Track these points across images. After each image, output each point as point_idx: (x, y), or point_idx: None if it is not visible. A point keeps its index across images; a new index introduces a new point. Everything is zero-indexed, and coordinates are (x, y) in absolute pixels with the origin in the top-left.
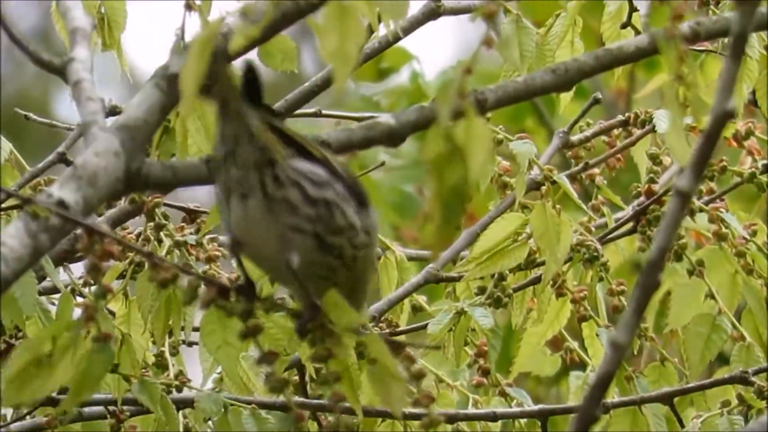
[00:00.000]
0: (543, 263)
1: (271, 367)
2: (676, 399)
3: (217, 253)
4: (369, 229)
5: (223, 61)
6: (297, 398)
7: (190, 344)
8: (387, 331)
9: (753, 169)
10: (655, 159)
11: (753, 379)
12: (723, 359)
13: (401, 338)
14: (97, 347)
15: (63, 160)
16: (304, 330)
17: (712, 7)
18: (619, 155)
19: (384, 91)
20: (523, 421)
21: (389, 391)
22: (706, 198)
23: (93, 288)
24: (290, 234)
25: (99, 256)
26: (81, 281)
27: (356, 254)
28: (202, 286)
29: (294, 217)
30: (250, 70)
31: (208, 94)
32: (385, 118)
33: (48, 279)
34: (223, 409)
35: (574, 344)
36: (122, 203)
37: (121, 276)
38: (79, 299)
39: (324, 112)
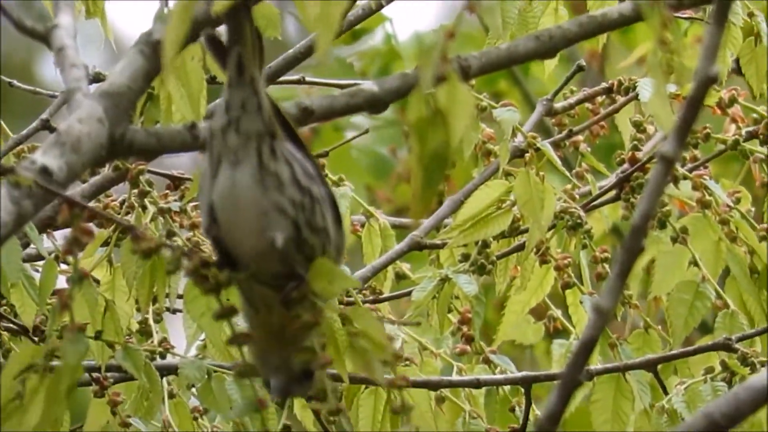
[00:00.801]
0: (527, 230)
1: (241, 349)
2: (659, 366)
3: (201, 219)
4: (340, 247)
5: (249, 22)
6: None
7: (174, 311)
8: (371, 298)
9: (737, 137)
10: (639, 126)
11: (736, 346)
12: (705, 328)
13: (384, 306)
14: (71, 337)
15: (47, 127)
16: (288, 300)
17: None
18: (602, 123)
19: (357, 52)
20: (506, 388)
21: (372, 362)
22: (690, 165)
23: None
24: (274, 213)
25: (80, 232)
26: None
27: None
28: (185, 257)
29: (281, 195)
30: (258, 38)
31: (223, 61)
32: (368, 85)
33: (32, 246)
34: (206, 376)
35: (557, 312)
36: (106, 170)
37: (105, 243)
38: (63, 266)
39: (308, 79)
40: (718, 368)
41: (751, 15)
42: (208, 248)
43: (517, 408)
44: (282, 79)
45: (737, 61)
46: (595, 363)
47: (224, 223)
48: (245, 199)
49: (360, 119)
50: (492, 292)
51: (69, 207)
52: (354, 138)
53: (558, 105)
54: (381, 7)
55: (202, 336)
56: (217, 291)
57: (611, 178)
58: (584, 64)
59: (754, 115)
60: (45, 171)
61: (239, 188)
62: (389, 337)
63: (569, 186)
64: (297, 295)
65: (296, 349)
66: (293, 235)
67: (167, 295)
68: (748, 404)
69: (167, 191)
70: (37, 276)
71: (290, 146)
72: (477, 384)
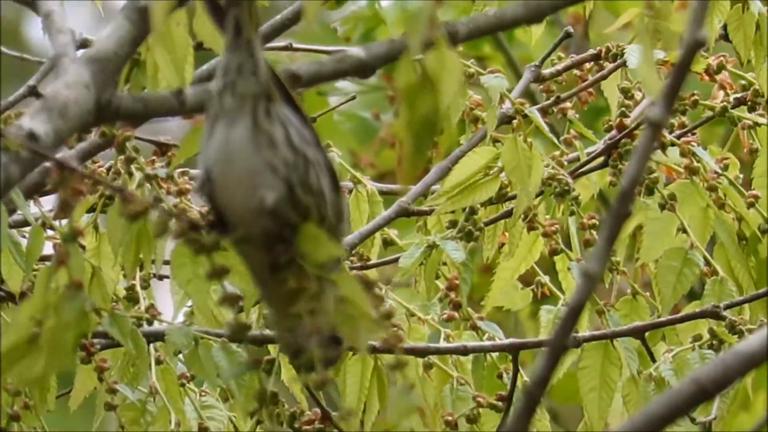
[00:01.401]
0: (514, 197)
1: (233, 309)
2: (647, 333)
3: (188, 186)
4: (340, 213)
5: None
6: (267, 331)
7: (161, 277)
8: (358, 264)
9: (725, 103)
10: (626, 93)
11: (724, 313)
12: (692, 295)
13: (371, 272)
14: (69, 294)
15: (34, 93)
16: (277, 264)
17: None
18: (590, 89)
19: (341, 18)
20: (494, 354)
21: (357, 329)
22: (677, 132)
23: (64, 227)
24: (265, 172)
25: (70, 193)
26: (52, 214)
27: (321, 225)
28: (173, 220)
29: (273, 155)
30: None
31: (221, 23)
32: (355, 51)
33: (18, 212)
34: (193, 343)
35: (545, 278)
36: (93, 136)
37: (91, 209)
38: (50, 232)
39: (295, 45)
40: (706, 336)
41: None
42: (195, 214)
43: (504, 374)
44: (269, 45)
45: (725, 27)
46: (584, 329)
47: (217, 181)
48: (238, 157)
49: (344, 85)
50: (479, 258)
51: (59, 169)
52: (342, 104)
53: (546, 71)
54: None
55: (189, 302)
56: (207, 251)
57: (599, 145)
58: (572, 30)
59: (742, 82)
60: (32, 136)
61: (232, 146)
62: (390, 314)
63: (557, 152)
64: (284, 259)
65: (307, 315)
66: (286, 194)
67: (153, 262)
68: (735, 370)
69: (154, 157)
70: (23, 242)
71: (287, 110)
72: (464, 351)
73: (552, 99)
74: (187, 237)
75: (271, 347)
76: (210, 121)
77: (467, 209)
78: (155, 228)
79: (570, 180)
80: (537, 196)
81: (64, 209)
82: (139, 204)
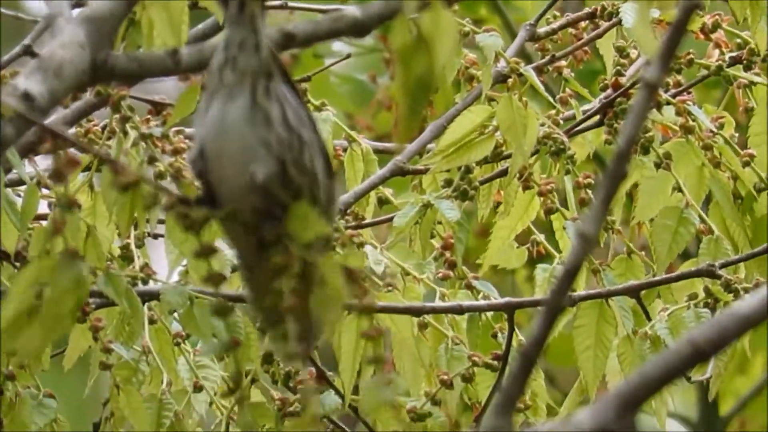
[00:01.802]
0: (510, 156)
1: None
2: (642, 292)
3: (183, 145)
4: (332, 198)
5: None
6: None
7: (156, 236)
8: (353, 224)
9: (720, 62)
10: (622, 52)
11: (720, 272)
12: (686, 255)
13: (366, 231)
14: (65, 263)
15: (29, 52)
16: (265, 241)
17: None
18: (585, 48)
19: None
20: (489, 313)
21: (329, 313)
22: (673, 91)
23: (59, 191)
24: (259, 149)
25: (64, 163)
26: (47, 173)
27: (312, 206)
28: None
29: (268, 132)
30: None
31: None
32: (351, 10)
33: (14, 171)
34: (188, 302)
35: (541, 237)
36: (88, 95)
37: (87, 168)
38: (45, 191)
39: (290, 4)
40: (702, 294)
41: None
42: (190, 174)
43: (499, 334)
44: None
45: None
46: (580, 288)
47: (210, 155)
48: (232, 132)
49: (341, 47)
50: (474, 222)
51: (52, 137)
52: (336, 63)
53: (541, 30)
54: None
55: (184, 262)
56: (197, 228)
57: (594, 104)
58: None
59: (738, 41)
60: (27, 96)
61: (228, 121)
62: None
63: (552, 111)
64: (272, 236)
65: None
66: (278, 172)
67: (148, 221)
68: (731, 331)
69: (149, 116)
70: (19, 201)
71: (285, 89)
72: (460, 310)
73: (547, 58)
74: (177, 211)
75: None
76: (208, 96)
77: (462, 168)
78: (145, 201)
79: (566, 139)
80: (532, 155)
81: (58, 178)
82: (130, 176)
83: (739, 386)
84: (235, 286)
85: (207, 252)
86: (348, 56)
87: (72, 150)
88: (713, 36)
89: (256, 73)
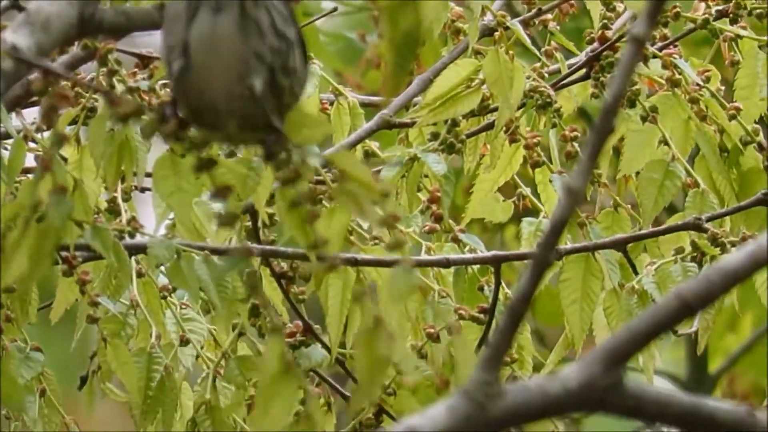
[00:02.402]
0: (496, 109)
1: (224, 204)
2: (629, 245)
3: (169, 99)
4: (303, 83)
5: None
6: (250, 244)
7: (143, 190)
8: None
9: (706, 16)
10: (608, 5)
11: (706, 225)
12: (672, 210)
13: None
14: (54, 200)
15: (15, 6)
16: (272, 153)
17: None
18: (572, 1)
19: None
20: (475, 267)
21: (363, 205)
22: (659, 44)
23: (46, 139)
24: (253, 60)
25: (56, 99)
26: (34, 127)
27: (290, 103)
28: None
29: (261, 43)
30: None
31: None
32: None
33: (1, 125)
34: (175, 255)
35: (527, 190)
36: (75, 49)
37: (74, 122)
38: (32, 145)
39: None
40: (688, 248)
41: None
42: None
43: (486, 287)
44: None
45: None
46: (565, 243)
47: (199, 67)
48: (226, 47)
49: (330, 5)
50: (463, 180)
51: (44, 76)
52: (323, 16)
53: None
54: None
55: (171, 215)
56: (198, 149)
57: (581, 57)
58: None
59: None
60: (15, 50)
61: (220, 36)
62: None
63: (538, 64)
64: (278, 148)
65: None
66: (268, 79)
67: (135, 174)
68: (719, 286)
69: (136, 70)
70: (5, 155)
71: None
72: (446, 263)
73: (534, 11)
74: (177, 136)
75: (252, 260)
76: (190, 5)
77: (449, 121)
78: (144, 129)
79: (552, 92)
80: (519, 108)
81: (49, 117)
82: (128, 105)
83: (728, 344)
84: (221, 239)
85: (207, 165)
86: (335, 9)
87: (66, 91)
88: None
89: None
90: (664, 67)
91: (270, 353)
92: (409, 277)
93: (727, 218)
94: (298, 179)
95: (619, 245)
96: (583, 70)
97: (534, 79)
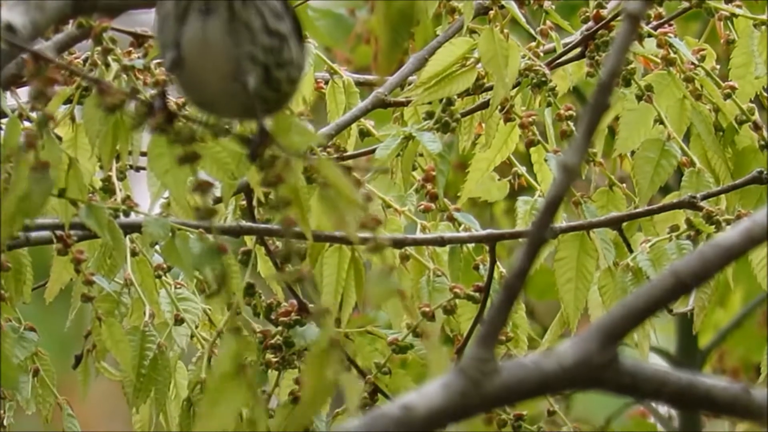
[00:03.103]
0: (491, 88)
1: (204, 197)
2: (624, 224)
3: (164, 77)
4: (302, 65)
5: None
6: (244, 223)
7: (138, 169)
8: (335, 156)
9: None
10: None
11: (702, 204)
12: (667, 190)
13: (348, 163)
14: (36, 176)
15: None
16: (255, 154)
17: None
18: None
19: None
20: (470, 246)
21: (342, 215)
22: (654, 23)
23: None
24: (246, 62)
25: (44, 82)
26: (28, 105)
27: (288, 90)
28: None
29: (253, 45)
30: None
31: None
32: None
33: None
34: (170, 234)
35: (522, 169)
36: (70, 27)
37: (68, 101)
38: (27, 124)
39: None
40: (683, 226)
41: None
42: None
43: (481, 266)
44: None
45: None
46: (560, 221)
47: (192, 67)
48: (217, 51)
49: None
50: (455, 154)
51: (35, 60)
52: None
53: None
54: None
55: (166, 194)
56: (184, 141)
57: (576, 36)
58: None
59: None
60: (9, 28)
61: (210, 40)
62: (368, 197)
63: (533, 44)
64: (262, 150)
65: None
66: (263, 76)
67: (130, 152)
68: (714, 263)
69: (131, 49)
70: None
71: None
72: (441, 242)
73: None
74: (164, 129)
75: (247, 238)
76: (179, 5)
77: (444, 100)
78: (132, 120)
79: (547, 71)
80: (514, 87)
81: (39, 99)
82: (116, 95)
83: (718, 319)
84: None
85: (191, 159)
86: None
87: (55, 75)
88: None
89: None
90: (659, 46)
91: (223, 353)
92: (387, 282)
93: (723, 197)
94: (280, 182)
95: (615, 224)
96: (578, 49)
97: (529, 58)
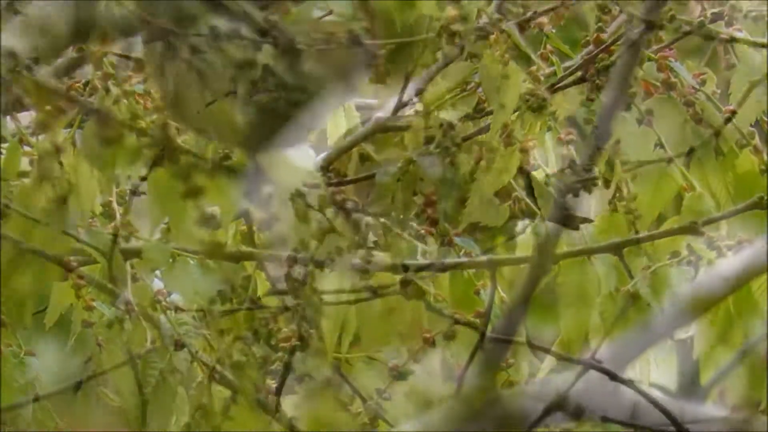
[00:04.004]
0: (491, 112)
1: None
2: (625, 249)
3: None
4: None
5: None
6: (244, 248)
7: (138, 194)
8: (335, 180)
9: (702, 18)
10: (603, 9)
11: (703, 229)
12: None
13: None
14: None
15: (12, 9)
16: (249, 192)
17: None
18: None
19: None
20: (471, 271)
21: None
22: (654, 47)
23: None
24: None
25: (50, 113)
26: (29, 131)
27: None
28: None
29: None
30: None
31: None
32: None
33: None
34: (170, 260)
35: (522, 193)
36: (70, 52)
37: (69, 125)
38: (27, 149)
39: None
40: (685, 252)
41: None
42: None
43: (482, 291)
44: None
45: None
46: (561, 247)
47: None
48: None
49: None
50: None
51: (37, 89)
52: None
53: None
54: None
55: (166, 219)
56: (184, 175)
57: (576, 60)
58: None
59: None
60: (12, 54)
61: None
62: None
63: (534, 68)
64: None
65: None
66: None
67: (130, 178)
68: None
69: (131, 73)
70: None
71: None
72: (442, 267)
73: (529, 13)
74: (162, 163)
75: (247, 264)
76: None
77: (444, 124)
78: (128, 157)
79: (548, 96)
80: (514, 111)
81: (43, 128)
82: (114, 129)
83: (719, 356)
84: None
85: (195, 193)
86: (329, 13)
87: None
88: None
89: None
90: (660, 69)
91: None
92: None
93: (723, 222)
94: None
95: (616, 249)
96: (579, 73)
97: (530, 83)
